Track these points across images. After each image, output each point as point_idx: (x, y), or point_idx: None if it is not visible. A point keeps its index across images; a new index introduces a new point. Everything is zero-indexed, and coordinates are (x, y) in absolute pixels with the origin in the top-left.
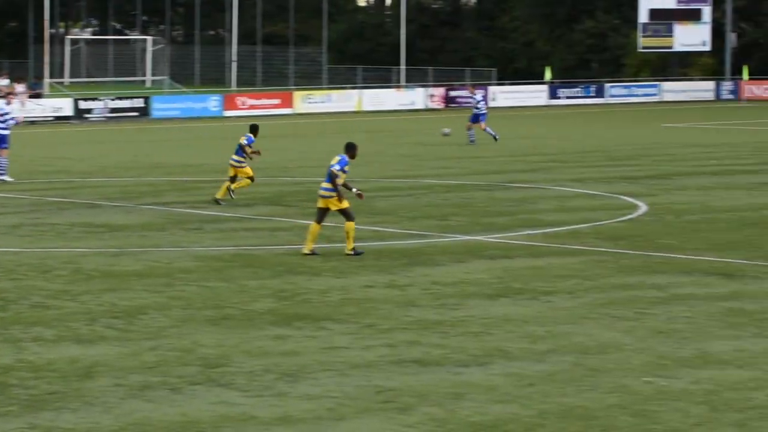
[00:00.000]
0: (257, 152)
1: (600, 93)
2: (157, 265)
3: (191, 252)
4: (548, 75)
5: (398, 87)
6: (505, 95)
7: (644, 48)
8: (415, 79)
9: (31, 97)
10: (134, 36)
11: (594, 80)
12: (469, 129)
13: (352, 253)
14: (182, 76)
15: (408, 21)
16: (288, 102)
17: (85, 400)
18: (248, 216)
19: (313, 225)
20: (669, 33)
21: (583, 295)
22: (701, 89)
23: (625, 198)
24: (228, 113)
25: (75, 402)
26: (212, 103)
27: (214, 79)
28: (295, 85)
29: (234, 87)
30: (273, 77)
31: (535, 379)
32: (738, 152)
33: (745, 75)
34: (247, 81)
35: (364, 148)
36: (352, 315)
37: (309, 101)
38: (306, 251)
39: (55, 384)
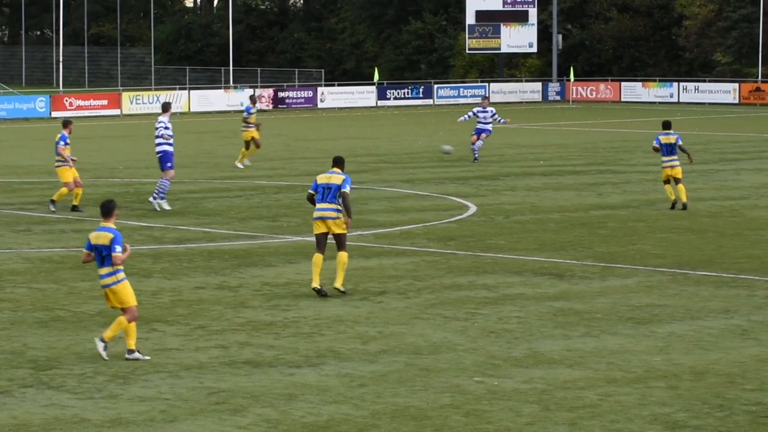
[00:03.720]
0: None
1: (428, 94)
2: None
3: (20, 254)
4: (377, 76)
5: (227, 88)
6: (333, 96)
7: (471, 49)
8: (244, 79)
9: None
10: None
11: (422, 81)
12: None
13: (343, 289)
14: (8, 76)
15: (236, 22)
16: (116, 103)
17: None
18: (77, 218)
19: (317, 256)
20: (496, 34)
21: (415, 296)
22: (529, 90)
23: (455, 198)
24: (55, 114)
25: None
26: (39, 104)
27: (40, 80)
28: (122, 86)
29: (61, 88)
30: (100, 78)
31: (367, 380)
32: (566, 153)
33: (572, 76)
34: (74, 82)
35: (192, 149)
36: (183, 316)
37: (137, 102)
38: (315, 285)
39: None
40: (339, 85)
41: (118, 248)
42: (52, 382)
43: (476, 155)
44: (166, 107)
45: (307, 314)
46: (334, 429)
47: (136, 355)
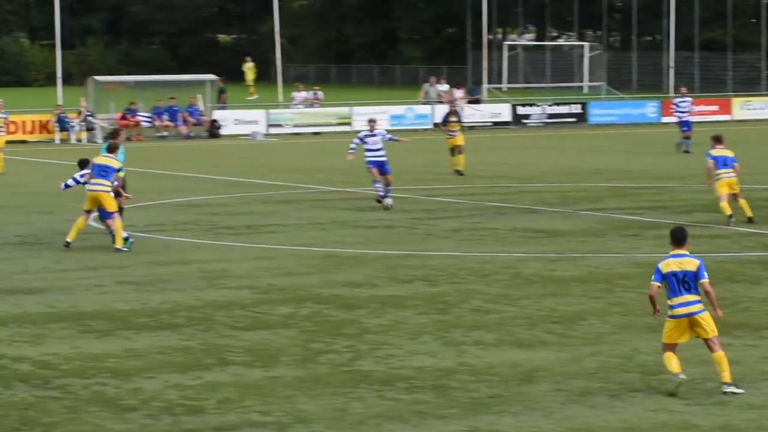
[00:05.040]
0: None
1: None
2: (597, 271)
3: (630, 258)
4: None
5: None
6: None
7: None
8: None
9: (469, 102)
10: (571, 42)
11: None
12: None
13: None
14: (619, 82)
15: None
16: (726, 108)
17: (525, 404)
18: (686, 223)
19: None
20: None
21: None
22: None
23: None
24: (665, 119)
25: (515, 406)
26: (650, 109)
27: (651, 85)
28: (733, 92)
29: (672, 93)
30: (710, 83)
31: None
32: None
33: None
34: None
35: None
36: None
37: (747, 108)
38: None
39: (495, 387)
40: None
41: (707, 275)
42: (660, 387)
43: None
44: None
45: None
46: None
47: (732, 388)
